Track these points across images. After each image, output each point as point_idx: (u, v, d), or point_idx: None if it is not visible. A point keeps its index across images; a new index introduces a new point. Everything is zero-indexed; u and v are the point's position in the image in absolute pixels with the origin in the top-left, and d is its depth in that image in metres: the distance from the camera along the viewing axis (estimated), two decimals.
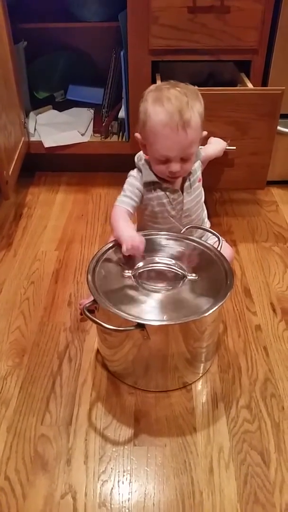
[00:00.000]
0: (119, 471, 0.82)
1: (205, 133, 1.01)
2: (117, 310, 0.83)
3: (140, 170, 1.03)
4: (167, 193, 1.02)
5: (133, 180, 1.03)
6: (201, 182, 1.08)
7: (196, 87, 1.32)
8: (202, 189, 1.09)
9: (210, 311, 0.83)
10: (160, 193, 1.02)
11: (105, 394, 0.95)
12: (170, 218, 1.04)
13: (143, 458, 0.84)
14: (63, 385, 0.97)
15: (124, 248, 0.93)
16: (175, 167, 0.96)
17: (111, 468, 0.83)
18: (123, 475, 0.82)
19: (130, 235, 0.94)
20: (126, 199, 1.02)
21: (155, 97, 0.94)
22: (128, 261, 0.95)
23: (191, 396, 0.95)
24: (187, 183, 1.03)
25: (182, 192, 1.03)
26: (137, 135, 1.00)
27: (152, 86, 0.98)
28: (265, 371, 0.99)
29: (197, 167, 1.06)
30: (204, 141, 1.09)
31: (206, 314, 0.83)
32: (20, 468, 0.83)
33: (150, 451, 0.85)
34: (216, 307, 0.84)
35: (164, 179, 1.01)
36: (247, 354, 1.03)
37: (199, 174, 1.07)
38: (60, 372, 0.99)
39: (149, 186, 1.02)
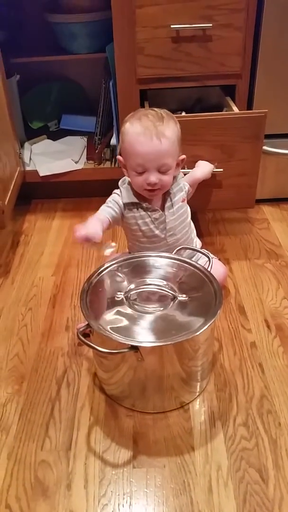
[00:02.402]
0: (119, 494, 0.83)
1: (182, 156, 1.05)
2: (110, 333, 0.85)
3: (121, 191, 1.08)
4: (149, 212, 1.06)
5: (116, 196, 1.09)
6: (185, 201, 1.11)
7: (183, 114, 1.38)
8: (188, 208, 1.13)
9: (202, 330, 0.85)
10: (142, 212, 1.06)
11: (103, 418, 0.96)
12: (155, 238, 1.08)
13: (143, 480, 0.85)
14: (62, 410, 0.98)
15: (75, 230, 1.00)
16: (152, 178, 1.00)
17: (111, 491, 0.83)
18: (123, 498, 0.82)
19: (86, 226, 1.00)
20: (107, 208, 1.08)
21: (132, 117, 1.02)
22: (121, 283, 0.97)
23: (189, 416, 0.96)
24: (168, 203, 1.07)
25: (164, 211, 1.06)
26: (119, 157, 1.06)
27: (132, 112, 1.05)
28: (261, 388, 1.00)
29: (182, 187, 1.10)
30: (191, 165, 1.12)
31: (198, 332, 0.85)
32: (21, 496, 0.83)
33: (149, 472, 0.86)
34: (207, 326, 0.85)
35: (144, 198, 1.05)
36: (243, 371, 1.05)
37: (183, 194, 1.10)
38: (59, 398, 1.01)
39: (130, 206, 1.07)
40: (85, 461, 0.88)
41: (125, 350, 0.84)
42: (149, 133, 0.98)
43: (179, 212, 1.09)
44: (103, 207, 1.09)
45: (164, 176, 1.01)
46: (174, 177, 1.08)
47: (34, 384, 1.04)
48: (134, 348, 0.84)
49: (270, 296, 1.25)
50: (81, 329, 0.88)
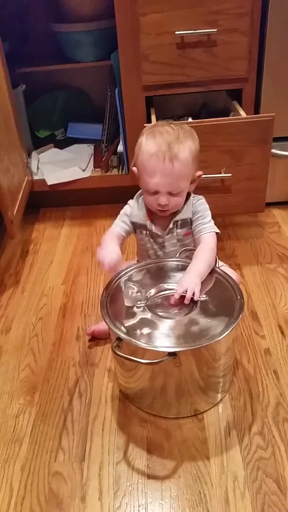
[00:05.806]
0: (134, 506, 0.82)
1: (199, 173, 1.02)
2: (145, 345, 0.84)
3: (132, 207, 1.06)
4: (153, 235, 1.05)
5: (128, 209, 1.07)
6: (190, 234, 1.06)
7: (190, 119, 1.36)
8: (193, 240, 1.07)
9: (229, 330, 0.85)
10: (145, 232, 1.06)
11: (116, 428, 0.95)
12: (157, 255, 1.07)
13: (158, 491, 0.84)
14: (74, 421, 0.97)
15: (96, 257, 0.99)
16: (163, 199, 0.98)
17: (126, 503, 0.82)
18: (138, 510, 0.81)
19: (104, 251, 0.99)
20: (120, 223, 1.06)
21: (149, 131, 0.98)
22: (140, 290, 0.97)
23: (203, 425, 0.94)
24: (173, 233, 1.05)
25: (166, 236, 1.05)
26: (134, 168, 1.03)
27: (151, 124, 1.02)
28: (276, 395, 0.99)
29: (188, 219, 1.04)
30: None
31: (228, 331, 0.85)
32: (35, 508, 0.83)
33: (164, 483, 0.85)
34: (230, 329, 0.85)
35: (153, 216, 1.04)
36: (258, 379, 1.03)
37: (187, 229, 1.05)
38: (71, 408, 1.00)
39: (137, 225, 1.06)
40: (99, 472, 0.87)
41: (165, 358, 0.82)
42: (161, 155, 0.93)
43: (181, 242, 1.06)
44: (116, 221, 1.06)
45: (175, 197, 0.98)
46: (188, 197, 1.03)
47: (46, 395, 1.03)
48: (173, 355, 0.82)
49: (283, 301, 1.24)
50: (114, 344, 0.86)
